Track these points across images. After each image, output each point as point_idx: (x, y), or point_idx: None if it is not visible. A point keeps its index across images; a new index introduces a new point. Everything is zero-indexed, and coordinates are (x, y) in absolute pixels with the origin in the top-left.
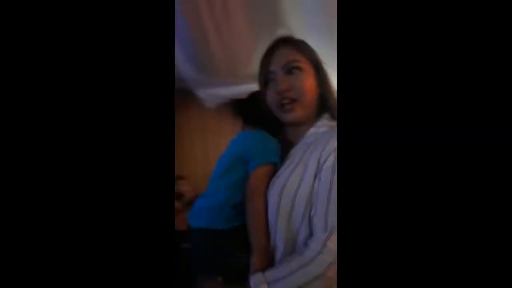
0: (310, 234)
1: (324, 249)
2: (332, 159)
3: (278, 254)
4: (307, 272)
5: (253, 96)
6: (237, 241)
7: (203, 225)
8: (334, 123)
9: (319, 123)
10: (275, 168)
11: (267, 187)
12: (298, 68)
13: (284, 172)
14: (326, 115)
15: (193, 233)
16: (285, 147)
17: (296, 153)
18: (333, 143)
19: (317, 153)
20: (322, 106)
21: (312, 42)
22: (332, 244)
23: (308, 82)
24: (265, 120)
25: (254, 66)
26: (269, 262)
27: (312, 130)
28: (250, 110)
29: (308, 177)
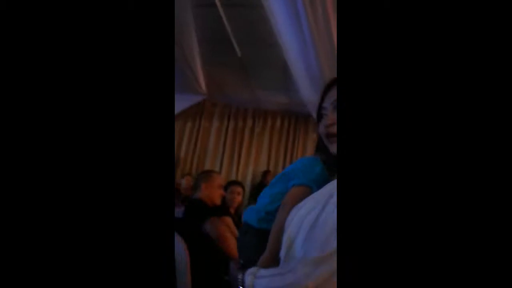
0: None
1: (304, 267)
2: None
3: (281, 258)
4: (283, 279)
5: None
6: (261, 240)
7: (244, 218)
8: None
9: None
10: (309, 191)
11: (295, 205)
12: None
13: (310, 196)
14: None
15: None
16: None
17: (330, 183)
18: None
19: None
20: None
21: None
22: (309, 268)
23: None
24: (323, 149)
25: None
26: (274, 265)
27: None
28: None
29: (319, 205)
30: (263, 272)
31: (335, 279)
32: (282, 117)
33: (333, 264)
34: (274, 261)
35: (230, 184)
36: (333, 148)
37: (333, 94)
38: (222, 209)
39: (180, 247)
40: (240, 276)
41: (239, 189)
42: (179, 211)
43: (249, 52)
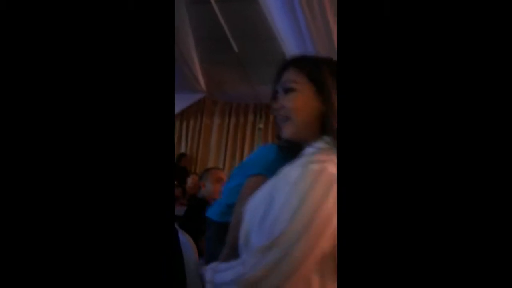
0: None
1: (245, 261)
2: (297, 173)
3: (240, 250)
4: (235, 272)
5: None
6: (223, 234)
7: (207, 213)
8: (328, 146)
9: (316, 144)
10: (265, 180)
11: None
12: (293, 89)
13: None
14: (325, 137)
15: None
16: None
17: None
18: (309, 158)
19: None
20: (325, 127)
21: None
22: (260, 257)
23: (301, 102)
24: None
25: None
26: (234, 258)
27: (309, 149)
28: None
29: (269, 191)
30: (222, 266)
31: (284, 266)
32: None
33: (279, 251)
34: (235, 255)
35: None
36: (283, 133)
37: (286, 78)
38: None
39: (188, 246)
40: (202, 272)
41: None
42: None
43: (246, 47)
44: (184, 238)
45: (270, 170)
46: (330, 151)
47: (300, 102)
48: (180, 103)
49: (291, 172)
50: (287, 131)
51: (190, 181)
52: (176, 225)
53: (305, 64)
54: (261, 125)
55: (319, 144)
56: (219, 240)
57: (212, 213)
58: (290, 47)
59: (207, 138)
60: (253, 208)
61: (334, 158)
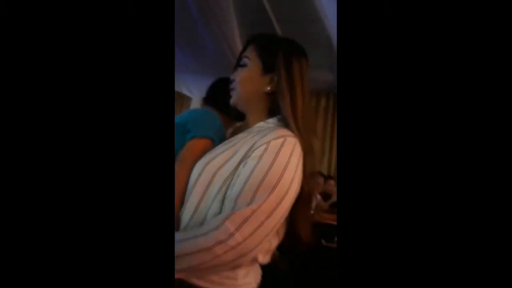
0: (219, 212)
1: (221, 227)
2: (262, 149)
3: (184, 222)
4: (196, 242)
5: (218, 81)
6: None
7: None
8: (280, 123)
9: (270, 119)
10: (211, 144)
11: (197, 160)
12: (245, 64)
13: (216, 150)
14: (280, 116)
15: None
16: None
17: (236, 138)
18: (270, 137)
19: (252, 142)
20: (272, 107)
21: None
22: (232, 226)
23: (245, 77)
24: (221, 103)
25: None
26: (175, 227)
27: (261, 123)
28: (211, 93)
29: (235, 160)
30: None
31: (253, 223)
32: (327, 96)
33: (255, 220)
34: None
35: None
36: (230, 100)
37: (244, 54)
38: None
39: None
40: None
41: None
42: None
43: (291, 30)
44: None
45: (217, 136)
46: (283, 127)
47: (245, 77)
48: None
49: (256, 146)
50: (231, 100)
51: (333, 185)
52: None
53: (262, 44)
54: None
55: (271, 120)
56: None
57: None
58: (335, 30)
59: None
60: (211, 173)
61: (289, 133)
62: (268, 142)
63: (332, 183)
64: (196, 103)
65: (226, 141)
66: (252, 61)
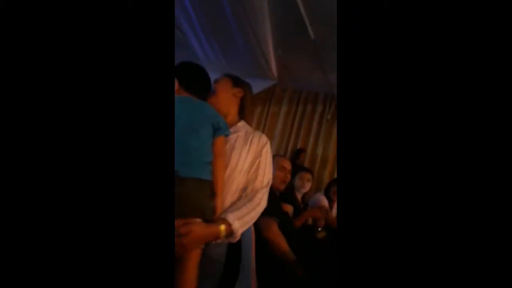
0: (253, 188)
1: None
2: (263, 144)
3: (231, 201)
4: (256, 212)
5: (185, 66)
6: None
7: (180, 172)
8: (246, 127)
9: (239, 123)
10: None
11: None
12: (219, 79)
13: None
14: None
15: None
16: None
17: (237, 135)
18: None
19: (257, 139)
20: (241, 112)
21: None
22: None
23: (219, 88)
24: (200, 91)
25: None
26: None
27: (239, 124)
28: (189, 80)
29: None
30: (237, 214)
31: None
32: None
33: (254, 199)
34: (224, 204)
35: (299, 170)
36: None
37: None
38: (287, 196)
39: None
40: (223, 217)
41: (308, 176)
42: None
43: (323, 34)
44: None
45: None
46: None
47: (219, 87)
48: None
49: (245, 144)
50: (209, 100)
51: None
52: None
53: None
54: (329, 117)
55: (240, 123)
56: (199, 190)
57: (188, 171)
58: None
59: (273, 125)
60: (241, 166)
61: (257, 132)
62: (248, 137)
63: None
64: None
65: (241, 135)
66: (224, 78)
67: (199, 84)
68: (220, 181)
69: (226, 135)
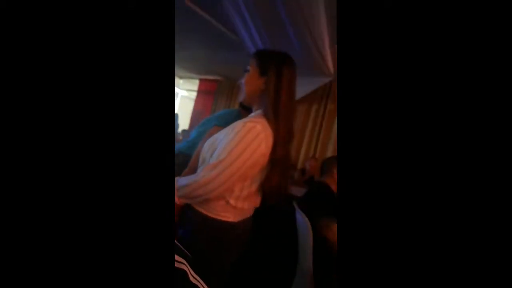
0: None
1: (200, 173)
2: (237, 126)
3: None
4: (192, 177)
5: None
6: (187, 161)
7: (179, 148)
8: (258, 113)
9: (257, 111)
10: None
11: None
12: (248, 70)
13: (220, 131)
14: (263, 108)
15: None
16: None
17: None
18: (246, 120)
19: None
20: (263, 101)
21: None
22: (204, 172)
23: (248, 80)
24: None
25: None
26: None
27: (252, 113)
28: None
29: (221, 134)
30: (183, 177)
31: (221, 177)
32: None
33: (219, 169)
34: (192, 173)
35: None
36: (238, 98)
37: (249, 63)
38: None
39: (304, 225)
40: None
41: None
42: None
43: None
44: (301, 218)
45: (227, 124)
46: (263, 117)
47: (247, 79)
48: (306, 86)
49: (235, 125)
50: (239, 97)
51: (309, 164)
52: (295, 205)
53: (259, 55)
54: None
55: (258, 111)
56: (185, 165)
57: (184, 148)
58: None
59: (330, 123)
60: (209, 144)
61: (263, 121)
62: (245, 123)
63: (313, 161)
64: None
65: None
66: (252, 67)
67: None
68: (194, 155)
69: (221, 126)
